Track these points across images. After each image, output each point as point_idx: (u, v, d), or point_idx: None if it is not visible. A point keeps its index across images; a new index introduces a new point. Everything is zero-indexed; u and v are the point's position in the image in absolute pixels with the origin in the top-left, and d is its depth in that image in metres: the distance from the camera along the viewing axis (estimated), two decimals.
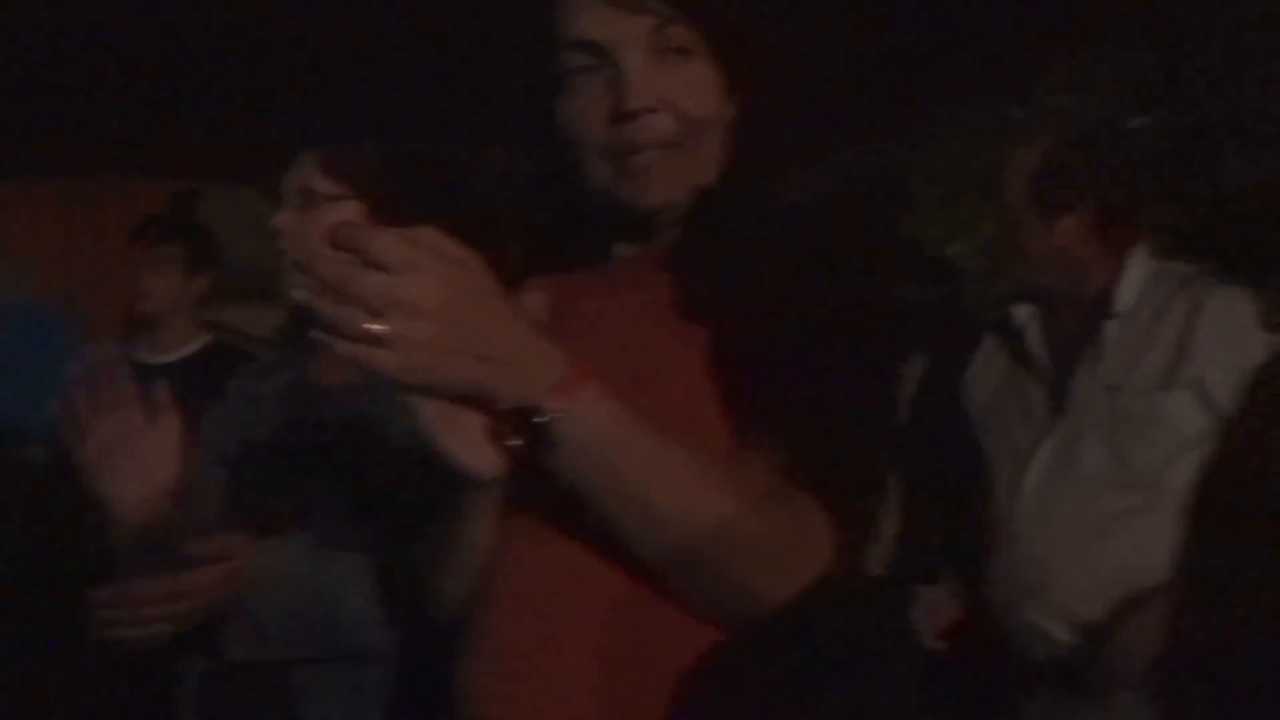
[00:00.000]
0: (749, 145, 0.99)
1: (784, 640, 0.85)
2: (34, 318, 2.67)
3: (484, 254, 0.91)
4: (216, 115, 2.25)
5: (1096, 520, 1.68)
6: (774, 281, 0.91)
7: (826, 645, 0.89)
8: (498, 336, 0.77)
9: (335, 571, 1.21)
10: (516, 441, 0.80)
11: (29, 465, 2.44)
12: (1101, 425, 1.71)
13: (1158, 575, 1.54)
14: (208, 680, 1.31)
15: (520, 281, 1.12)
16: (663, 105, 0.94)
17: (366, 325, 0.72)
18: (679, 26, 0.94)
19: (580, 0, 0.95)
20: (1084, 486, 1.70)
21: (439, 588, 0.98)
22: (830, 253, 0.93)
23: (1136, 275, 1.77)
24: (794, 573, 0.82)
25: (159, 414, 1.28)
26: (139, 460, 1.26)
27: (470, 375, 0.76)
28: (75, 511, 1.41)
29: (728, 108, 0.99)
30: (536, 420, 0.78)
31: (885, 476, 0.94)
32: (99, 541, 1.27)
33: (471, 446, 0.82)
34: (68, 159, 2.57)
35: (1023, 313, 1.87)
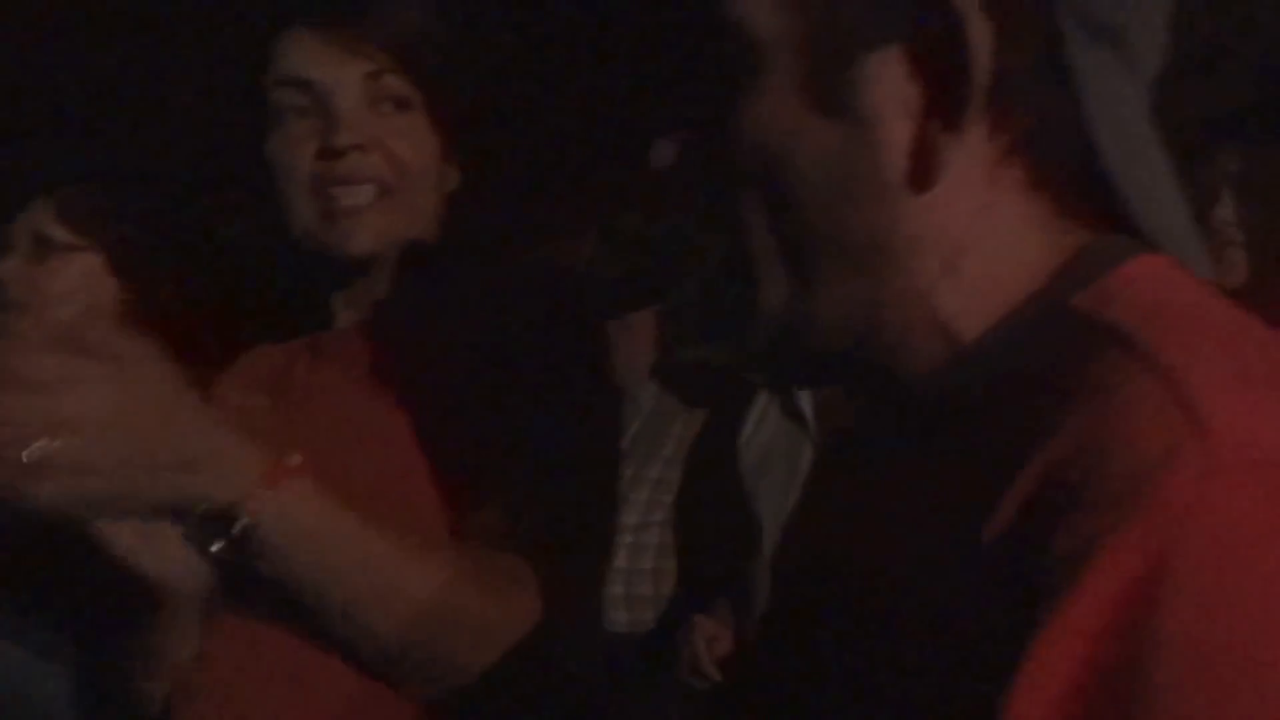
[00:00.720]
0: (472, 207, 0.98)
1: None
2: None
3: (224, 307, 0.85)
4: None
5: None
6: (485, 345, 0.89)
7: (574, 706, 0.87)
8: (183, 440, 0.71)
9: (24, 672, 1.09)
10: (218, 548, 0.74)
11: None
12: None
13: None
14: None
15: (264, 338, 1.07)
16: (374, 145, 0.92)
17: (20, 453, 0.64)
18: (396, 76, 0.93)
19: (296, 39, 0.93)
20: None
21: (138, 689, 0.91)
22: (539, 315, 0.92)
23: None
24: (502, 642, 0.80)
25: None
26: None
27: (158, 489, 0.71)
28: None
29: (447, 168, 0.98)
30: (237, 525, 0.73)
31: (605, 530, 0.93)
32: None
33: (173, 560, 0.76)
34: None
35: None
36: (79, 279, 1.25)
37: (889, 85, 0.47)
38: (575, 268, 2.23)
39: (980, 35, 0.45)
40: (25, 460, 0.64)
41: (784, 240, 0.50)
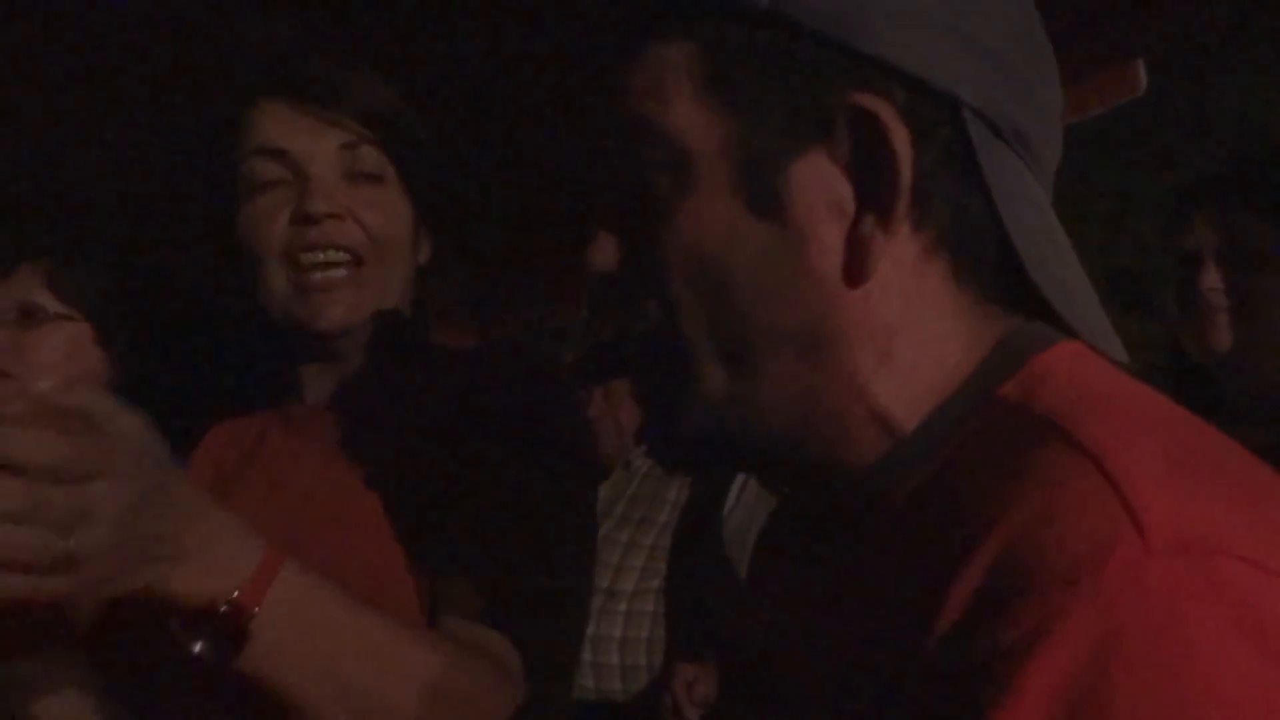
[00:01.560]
0: (445, 278, 0.99)
1: None
2: None
3: (197, 378, 0.82)
4: None
5: None
6: (457, 420, 0.88)
7: None
8: (179, 529, 0.66)
9: None
10: (201, 643, 0.68)
11: None
12: None
13: None
14: None
15: (233, 408, 1.05)
16: (347, 215, 0.92)
17: (54, 547, 0.59)
18: (371, 148, 0.94)
19: (271, 109, 0.93)
20: None
21: None
22: (513, 390, 0.91)
23: None
24: (488, 715, 0.78)
25: None
26: None
27: (151, 580, 0.65)
28: None
29: (419, 243, 0.98)
30: (233, 619, 0.67)
31: (581, 602, 0.91)
32: None
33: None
34: None
35: None
36: (65, 348, 1.25)
37: (817, 187, 0.50)
38: (562, 333, 2.23)
39: (901, 139, 0.48)
40: (53, 556, 0.59)
41: (722, 334, 0.51)
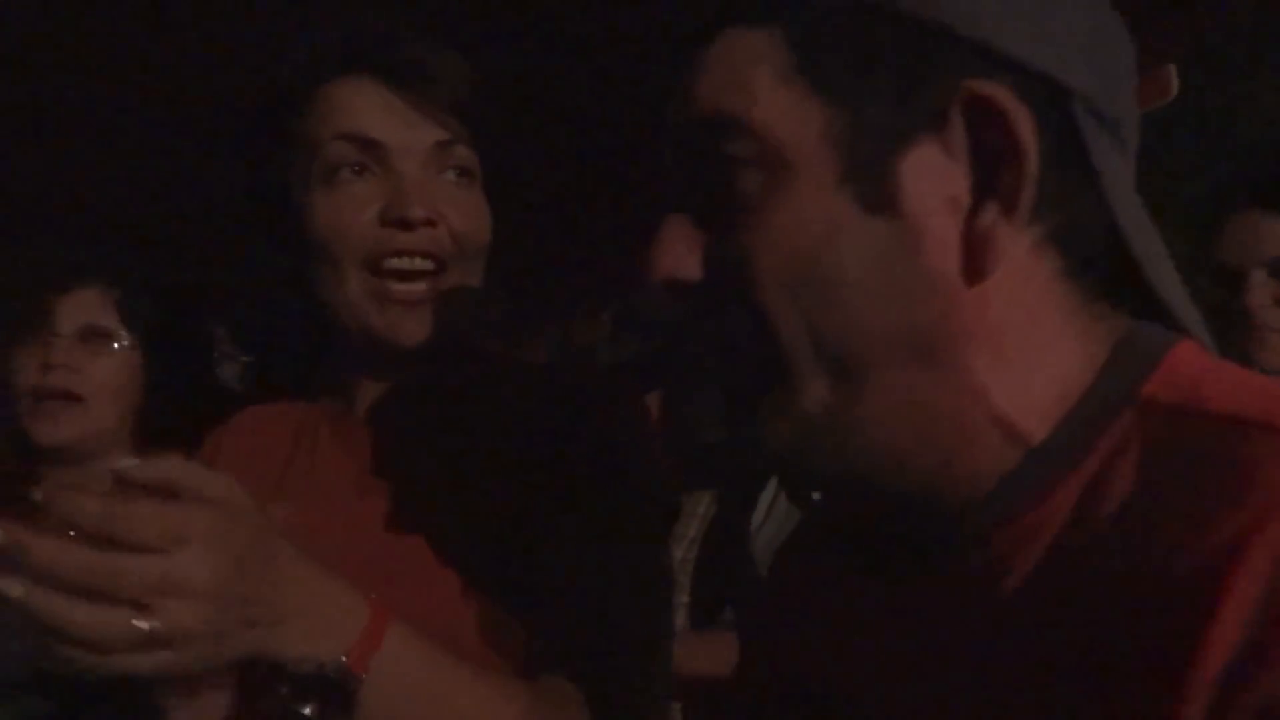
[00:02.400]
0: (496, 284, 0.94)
1: None
2: None
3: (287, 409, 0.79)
4: None
5: None
6: (516, 442, 0.85)
7: None
8: (281, 595, 0.63)
9: None
10: (310, 707, 0.65)
11: None
12: None
13: None
14: None
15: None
16: (440, 220, 0.86)
17: (136, 623, 0.56)
18: (464, 147, 0.88)
19: (358, 89, 0.86)
20: None
21: None
22: (582, 417, 0.86)
23: None
24: None
25: None
26: None
27: (252, 646, 0.63)
28: None
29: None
30: (342, 683, 0.65)
31: (658, 642, 0.87)
32: None
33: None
34: None
35: None
36: (127, 373, 1.28)
37: (931, 179, 0.47)
38: (590, 351, 2.22)
39: (1026, 125, 0.46)
40: (135, 633, 0.56)
41: (825, 340, 0.47)
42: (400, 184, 0.85)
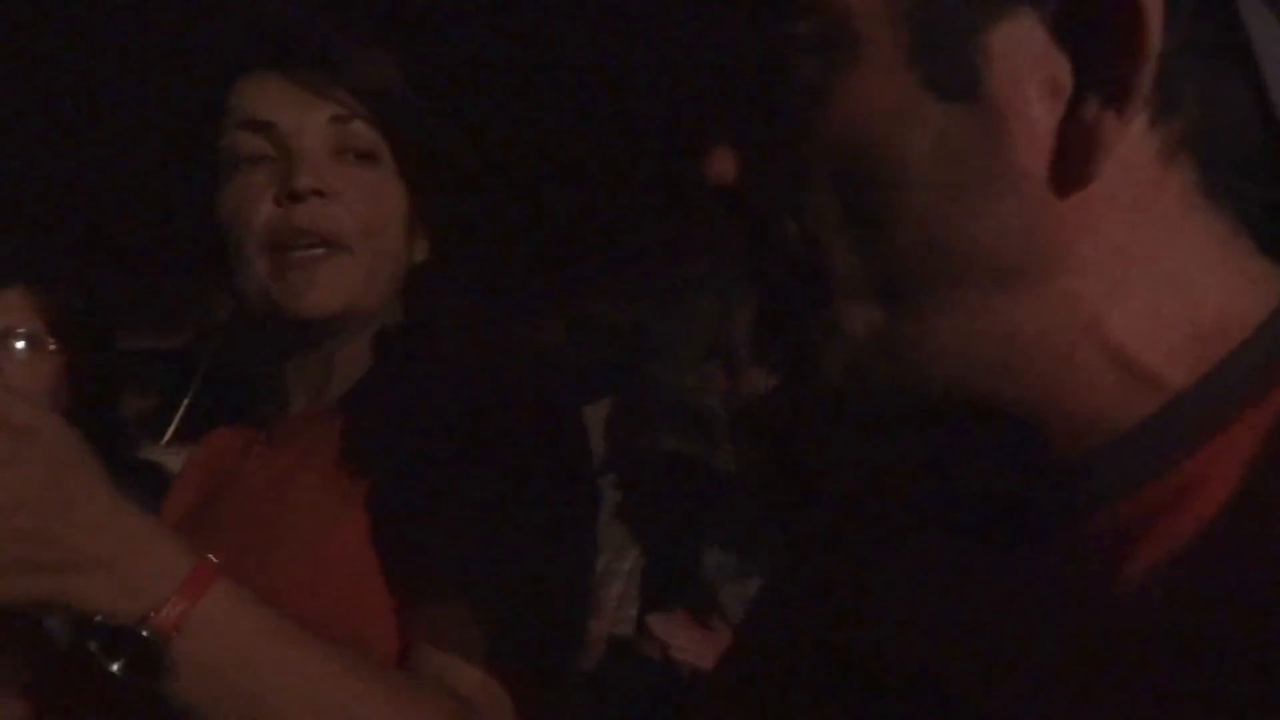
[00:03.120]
0: (438, 284, 0.93)
1: None
2: None
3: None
4: None
5: None
6: (451, 437, 0.82)
7: None
8: (85, 537, 0.60)
9: None
10: (118, 666, 0.61)
11: None
12: None
13: None
14: None
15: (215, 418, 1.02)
16: (335, 195, 0.85)
17: None
18: (364, 124, 0.87)
19: (256, 82, 0.87)
20: None
21: None
22: (511, 407, 0.84)
23: None
24: None
25: None
26: None
27: (45, 590, 0.59)
28: None
29: (415, 236, 0.92)
30: (145, 637, 0.61)
31: (575, 639, 0.86)
32: None
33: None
34: None
35: None
36: (52, 377, 1.24)
37: (1024, 57, 0.38)
38: (543, 355, 2.20)
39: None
40: None
41: (882, 253, 0.40)
42: (292, 161, 0.85)
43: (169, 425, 2.58)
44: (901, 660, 0.46)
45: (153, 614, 0.61)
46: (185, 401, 2.52)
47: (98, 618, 0.61)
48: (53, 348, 1.24)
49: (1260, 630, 0.32)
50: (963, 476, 0.45)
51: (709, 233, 2.12)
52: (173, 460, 1.12)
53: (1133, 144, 0.38)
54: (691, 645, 1.78)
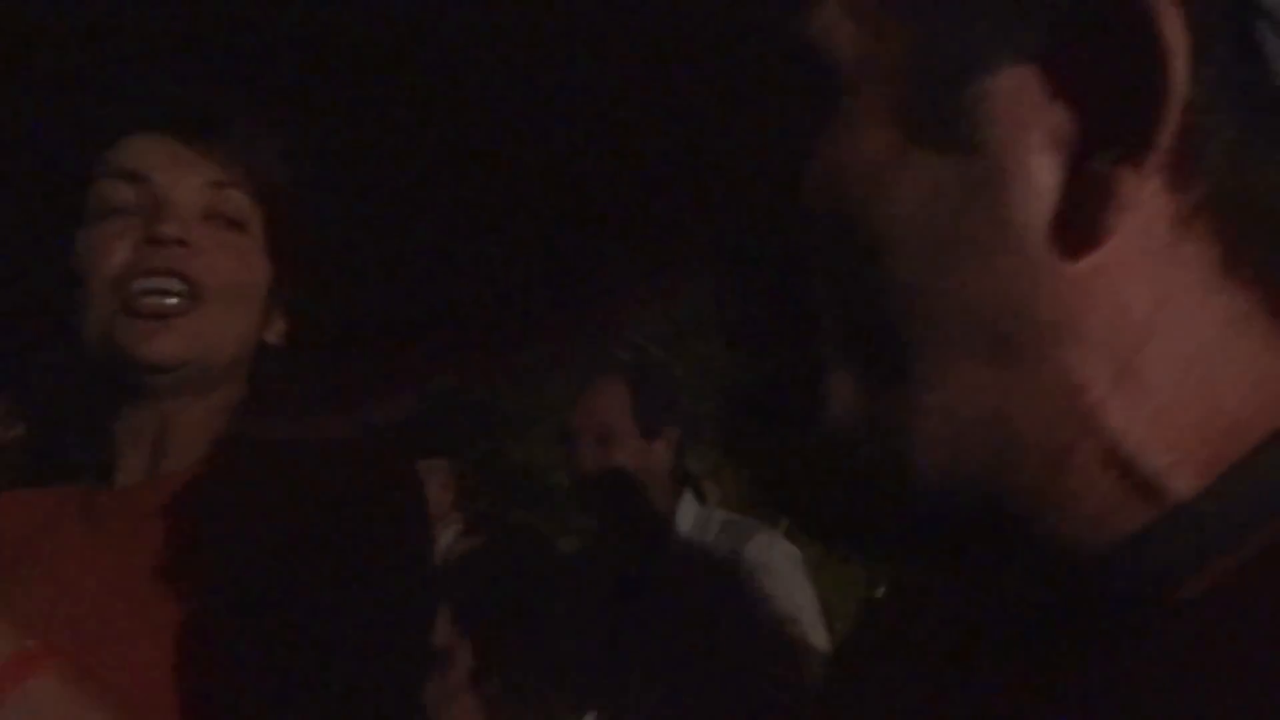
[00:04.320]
0: (291, 368, 0.92)
1: None
2: None
3: None
4: None
5: None
6: (289, 526, 0.80)
7: None
8: None
9: None
10: None
11: None
12: None
13: None
14: None
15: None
16: (198, 249, 0.84)
17: None
18: (240, 194, 0.88)
19: (137, 142, 0.87)
20: None
21: None
22: (349, 497, 0.82)
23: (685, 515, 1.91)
24: None
25: None
26: None
27: None
28: None
29: (272, 315, 0.91)
30: None
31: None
32: None
33: None
34: None
35: None
36: None
37: (1027, 106, 0.34)
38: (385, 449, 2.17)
39: (1175, 34, 0.32)
40: None
41: (864, 321, 0.35)
42: (164, 202, 0.84)
43: None
44: None
45: None
46: None
47: None
48: None
49: None
50: (954, 578, 0.41)
51: (565, 316, 2.17)
52: None
53: (1149, 205, 0.33)
54: None
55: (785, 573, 1.84)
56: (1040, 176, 0.34)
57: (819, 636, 1.82)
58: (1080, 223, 0.33)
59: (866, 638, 0.51)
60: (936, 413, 0.35)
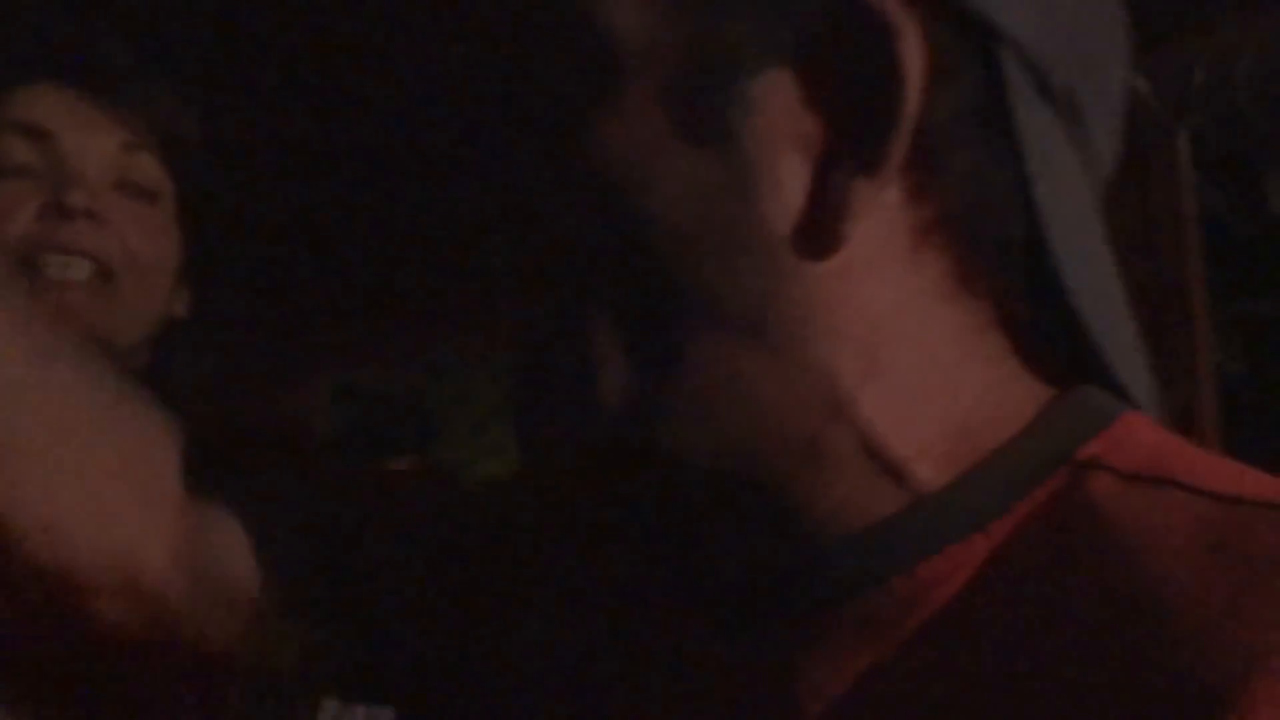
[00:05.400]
0: (195, 342, 0.87)
1: None
2: None
3: None
4: None
5: None
6: None
7: None
8: None
9: None
10: None
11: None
12: None
13: None
14: None
15: None
16: (107, 222, 0.78)
17: None
18: (151, 159, 0.81)
19: (42, 91, 0.80)
20: None
21: None
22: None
23: None
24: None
25: None
26: None
27: None
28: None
29: (179, 285, 0.86)
30: None
31: None
32: None
33: None
34: None
35: None
36: None
37: (782, 111, 0.36)
38: (302, 423, 2.10)
39: (912, 54, 0.34)
40: None
41: (629, 303, 0.38)
42: (67, 178, 0.77)
43: None
44: None
45: None
46: None
47: None
48: None
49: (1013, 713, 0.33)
50: (715, 555, 0.42)
51: (487, 307, 2.12)
52: None
53: (891, 215, 0.36)
54: None
55: None
56: (788, 180, 0.36)
57: None
58: (820, 227, 0.36)
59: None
60: (696, 396, 0.37)
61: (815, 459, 0.37)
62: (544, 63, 0.40)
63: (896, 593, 0.36)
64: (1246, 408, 4.58)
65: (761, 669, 0.39)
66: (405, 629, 0.56)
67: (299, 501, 0.73)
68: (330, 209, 1.61)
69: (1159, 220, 1.11)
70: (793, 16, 0.36)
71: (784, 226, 0.36)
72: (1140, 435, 0.37)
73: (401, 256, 1.71)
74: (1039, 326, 0.38)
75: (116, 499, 0.50)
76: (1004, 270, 0.37)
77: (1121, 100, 0.41)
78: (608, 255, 0.38)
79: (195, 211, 0.85)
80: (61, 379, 0.50)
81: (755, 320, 0.36)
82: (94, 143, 0.79)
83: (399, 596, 0.57)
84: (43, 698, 0.55)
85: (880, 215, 0.36)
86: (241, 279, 1.75)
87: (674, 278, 0.37)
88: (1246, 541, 0.32)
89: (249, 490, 0.69)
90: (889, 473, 0.37)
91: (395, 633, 0.55)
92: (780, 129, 0.36)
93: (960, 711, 0.33)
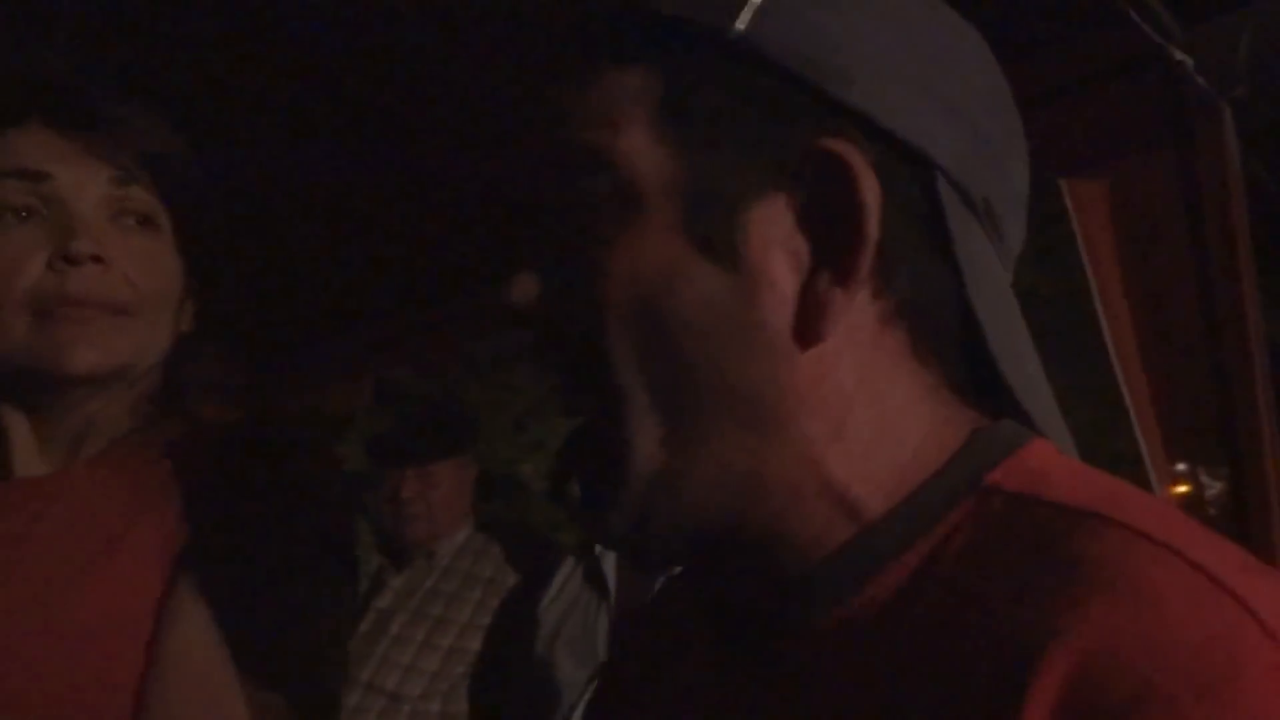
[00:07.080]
0: (205, 353, 0.89)
1: None
2: None
3: None
4: None
5: None
6: (199, 512, 0.78)
7: None
8: None
9: None
10: None
11: None
12: None
13: None
14: None
15: None
16: (113, 263, 0.81)
17: None
18: (144, 190, 0.84)
19: (31, 134, 0.82)
20: None
21: None
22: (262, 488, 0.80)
23: None
24: None
25: None
26: None
27: None
28: None
29: (185, 306, 0.89)
30: None
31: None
32: None
33: None
34: None
35: None
36: None
37: (775, 233, 0.46)
38: (338, 422, 2.12)
39: (870, 189, 0.44)
40: None
41: (658, 388, 0.46)
42: (70, 222, 0.80)
43: None
44: None
45: None
46: None
47: None
48: None
49: (920, 701, 0.40)
50: (722, 593, 0.52)
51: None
52: None
53: (858, 310, 0.46)
54: None
55: None
56: (782, 288, 0.46)
57: None
58: (809, 323, 0.46)
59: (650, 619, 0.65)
60: (713, 467, 0.46)
61: (795, 506, 0.46)
62: (582, 193, 0.48)
63: (853, 604, 0.45)
64: None
65: (750, 685, 0.48)
66: None
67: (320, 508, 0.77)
68: (373, 211, 1.62)
69: (1205, 192, 1.10)
70: (774, 158, 0.46)
71: (778, 323, 0.46)
72: (1032, 461, 0.45)
73: (444, 256, 1.72)
74: (973, 380, 0.49)
75: None
76: (946, 343, 0.48)
77: (1024, 185, 0.51)
78: (641, 346, 0.46)
79: (194, 234, 0.88)
80: None
81: (754, 399, 0.46)
82: (87, 179, 0.81)
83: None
84: None
85: (852, 313, 0.46)
86: (281, 282, 1.76)
87: (695, 365, 0.46)
88: (1059, 544, 0.39)
89: (274, 494, 0.74)
90: (847, 509, 0.46)
91: None
92: (776, 247, 0.46)
93: (884, 706, 0.41)
